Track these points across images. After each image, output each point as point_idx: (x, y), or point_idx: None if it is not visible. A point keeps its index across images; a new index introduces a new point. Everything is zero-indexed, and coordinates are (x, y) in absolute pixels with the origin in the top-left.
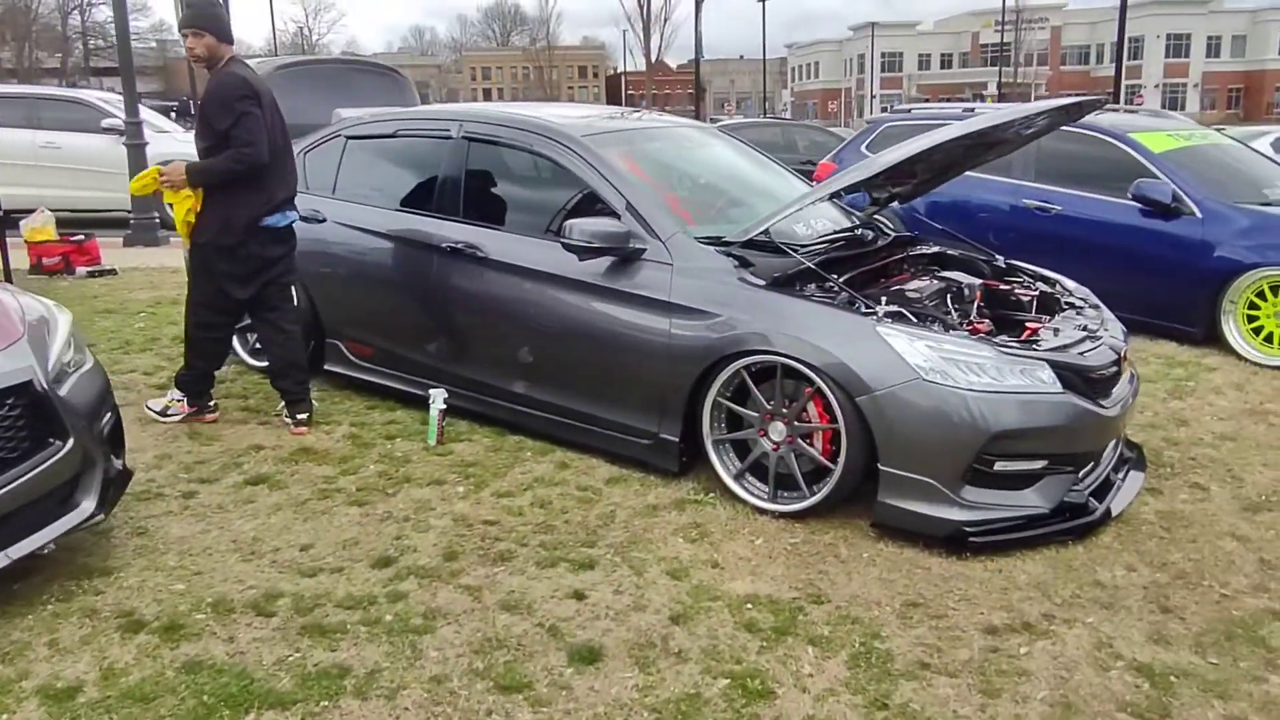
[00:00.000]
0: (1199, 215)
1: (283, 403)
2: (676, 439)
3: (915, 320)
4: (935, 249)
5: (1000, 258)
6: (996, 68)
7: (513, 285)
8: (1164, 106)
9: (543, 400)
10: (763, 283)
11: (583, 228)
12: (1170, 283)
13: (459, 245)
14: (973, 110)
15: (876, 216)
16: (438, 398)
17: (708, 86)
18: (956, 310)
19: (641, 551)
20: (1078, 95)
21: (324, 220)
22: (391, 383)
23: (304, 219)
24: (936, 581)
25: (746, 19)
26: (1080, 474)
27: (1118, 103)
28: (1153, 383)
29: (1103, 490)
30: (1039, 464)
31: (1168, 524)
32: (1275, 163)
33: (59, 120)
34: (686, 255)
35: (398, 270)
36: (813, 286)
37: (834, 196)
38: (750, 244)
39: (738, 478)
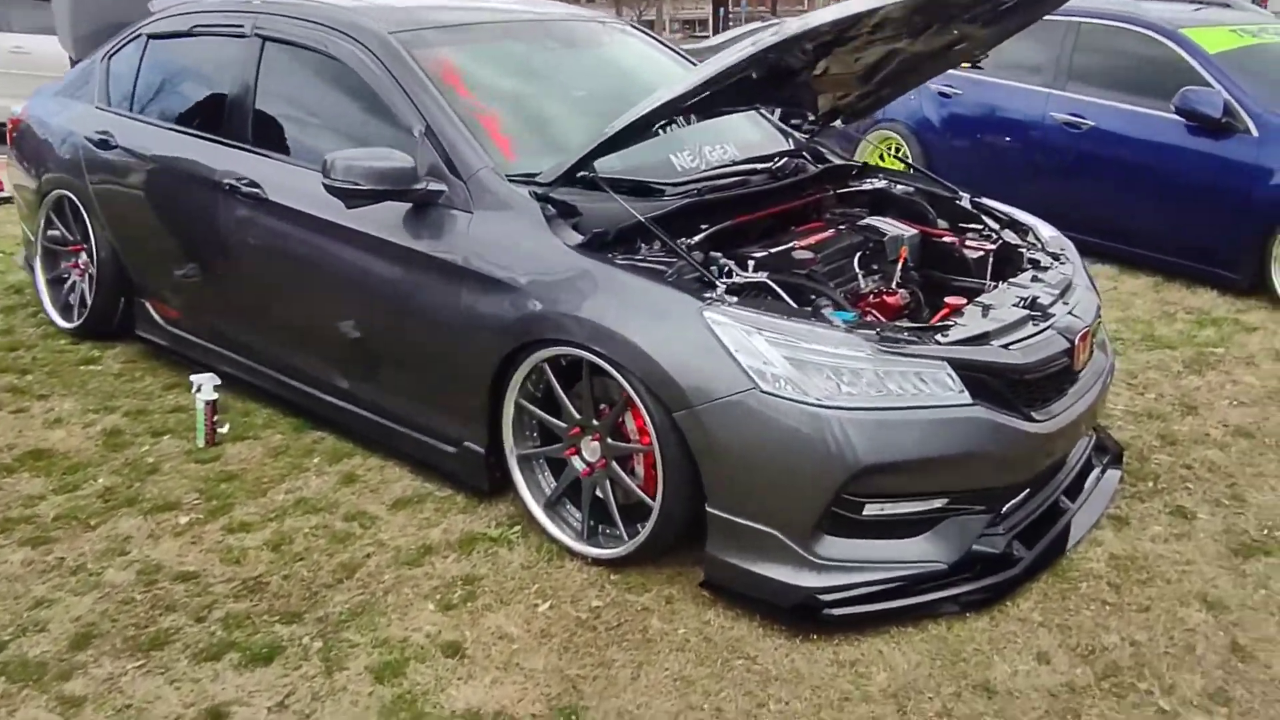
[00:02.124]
0: (1255, 133)
1: None
2: (483, 449)
3: (786, 297)
4: (881, 183)
5: (966, 195)
6: None
7: (300, 238)
8: None
9: (343, 389)
10: (575, 242)
11: (347, 162)
12: (1214, 217)
13: (240, 182)
14: None
15: (818, 141)
16: (205, 386)
17: None
18: (870, 275)
19: (361, 629)
20: None
21: (115, 146)
22: (195, 354)
23: (93, 143)
24: (754, 684)
25: None
26: (1001, 510)
27: None
28: (1171, 349)
29: (1041, 526)
30: (934, 504)
31: (1120, 578)
32: None
33: (30, 23)
34: (490, 201)
35: (185, 213)
36: (650, 248)
37: (698, 113)
38: (586, 183)
39: (550, 506)
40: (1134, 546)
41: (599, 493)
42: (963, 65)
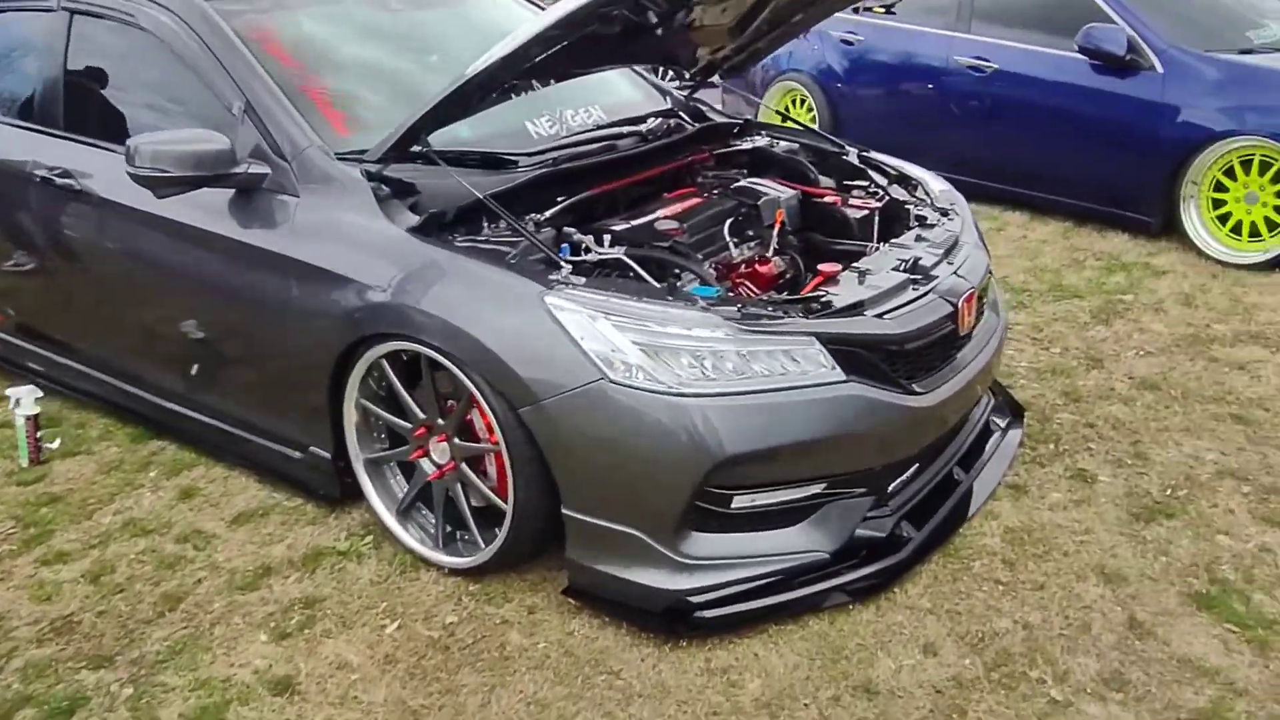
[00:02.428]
0: (1160, 69)
1: None
2: (329, 454)
3: (645, 274)
4: (761, 141)
5: (855, 150)
6: None
7: (120, 232)
8: None
9: (180, 393)
10: (409, 224)
11: (154, 147)
12: (1122, 159)
13: (52, 173)
14: None
15: (696, 99)
16: (24, 400)
17: None
18: (745, 242)
19: (180, 669)
20: None
21: None
22: (18, 360)
23: None
24: (614, 703)
25: None
26: (887, 490)
27: None
28: (1079, 298)
29: (933, 502)
30: (811, 490)
31: (1015, 553)
32: None
33: None
34: (318, 183)
35: (2, 208)
36: (496, 227)
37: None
38: (422, 158)
39: (404, 513)
40: (1031, 517)
41: (453, 497)
42: (867, 9)
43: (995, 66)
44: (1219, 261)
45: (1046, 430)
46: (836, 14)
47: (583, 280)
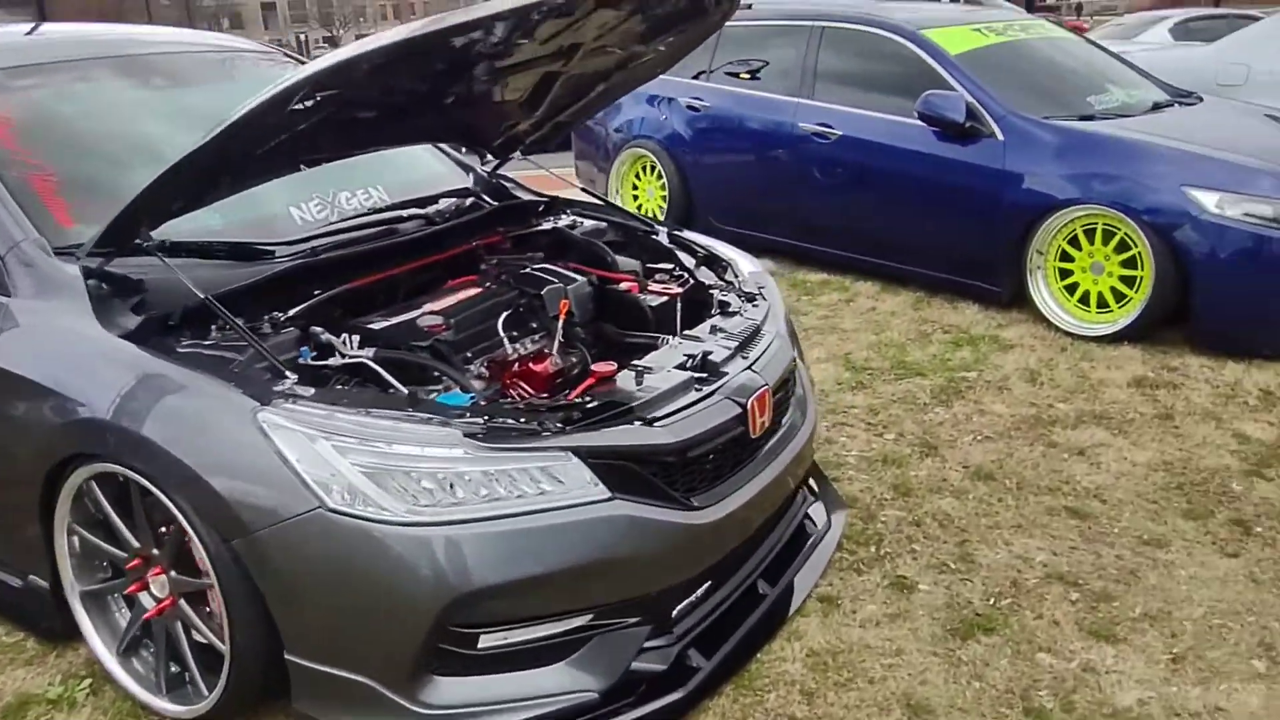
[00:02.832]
0: (1000, 136)
1: None
2: (48, 584)
3: (393, 380)
4: (564, 221)
5: (664, 229)
6: None
7: None
8: None
9: None
10: (126, 328)
11: None
12: (969, 227)
13: None
14: (749, 6)
15: (500, 174)
16: None
17: None
18: (526, 337)
19: None
20: None
21: None
22: None
23: None
24: None
25: None
26: (670, 616)
27: None
28: (922, 376)
29: (728, 625)
30: (574, 622)
31: (817, 681)
32: (1122, 60)
33: None
34: (30, 281)
35: None
36: (227, 330)
37: None
38: (171, 250)
39: (126, 653)
40: (840, 636)
41: (174, 636)
42: (733, 74)
43: (839, 133)
44: (1068, 333)
45: (869, 530)
46: (683, 79)
47: (310, 392)
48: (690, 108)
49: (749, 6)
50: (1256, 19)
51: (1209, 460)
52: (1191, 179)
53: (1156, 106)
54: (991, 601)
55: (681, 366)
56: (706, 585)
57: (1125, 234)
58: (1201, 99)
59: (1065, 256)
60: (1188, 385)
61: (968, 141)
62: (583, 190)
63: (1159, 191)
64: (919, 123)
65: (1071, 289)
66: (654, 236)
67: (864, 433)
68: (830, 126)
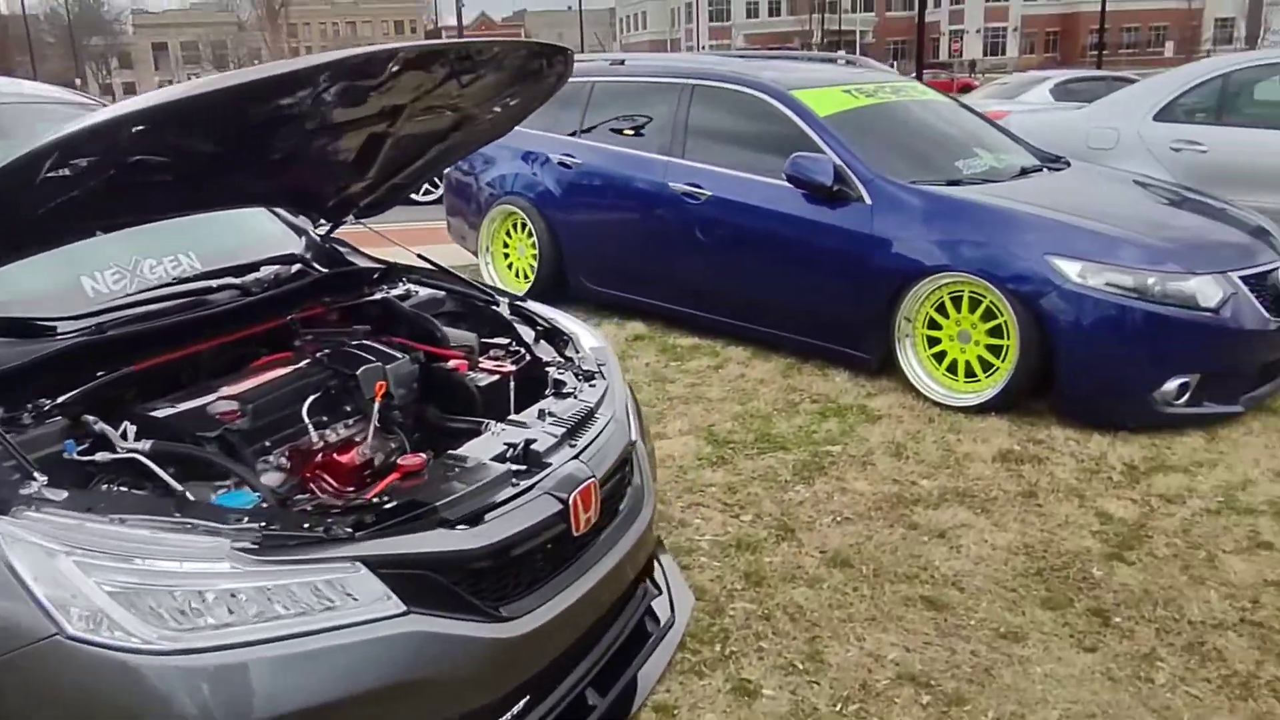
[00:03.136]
0: (868, 201)
1: None
2: None
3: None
4: (398, 291)
5: (506, 300)
6: (821, 15)
7: None
8: (985, 52)
9: None
10: None
11: None
12: (838, 292)
13: None
14: (621, 62)
15: (334, 240)
16: None
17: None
18: (339, 421)
19: None
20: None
21: None
22: None
23: None
24: None
25: None
26: None
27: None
28: (785, 450)
29: None
30: None
31: None
32: (993, 124)
33: None
34: None
35: None
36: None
37: None
38: None
39: None
40: None
41: None
42: (616, 131)
43: (709, 194)
44: (937, 403)
45: (716, 626)
46: (556, 134)
47: (61, 497)
48: (562, 164)
49: (621, 63)
50: (1132, 81)
51: (1070, 543)
52: (1054, 247)
53: (1024, 172)
54: (838, 707)
55: (500, 457)
56: (524, 701)
57: (991, 302)
58: (1069, 164)
59: (933, 324)
60: (1053, 459)
61: (836, 205)
62: (419, 256)
63: (1022, 259)
64: (789, 184)
65: (940, 357)
66: (494, 308)
67: (720, 514)
68: (700, 187)
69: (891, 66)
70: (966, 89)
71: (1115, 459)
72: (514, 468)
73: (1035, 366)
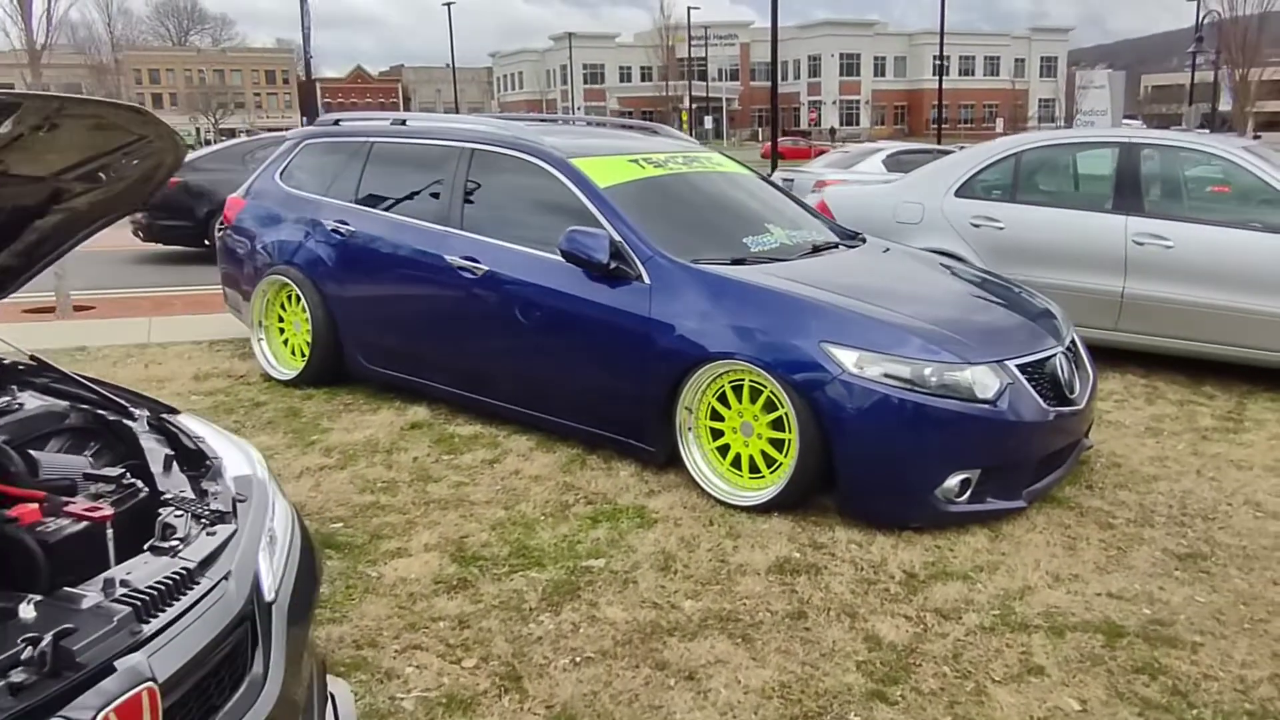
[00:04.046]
0: (647, 280)
1: None
2: None
3: None
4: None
5: (146, 413)
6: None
7: None
8: (841, 122)
9: None
10: None
11: None
12: (618, 379)
13: None
14: (403, 122)
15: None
16: None
17: (413, 95)
18: None
19: None
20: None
21: None
22: None
23: None
24: None
25: (456, 24)
26: None
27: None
28: (540, 568)
29: None
30: None
31: None
32: (792, 198)
33: None
34: None
35: None
36: None
37: None
38: None
39: None
40: None
41: None
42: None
43: (485, 268)
44: (721, 502)
45: None
46: (333, 199)
47: None
48: (335, 232)
49: (403, 122)
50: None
51: (831, 679)
52: (831, 335)
53: (816, 249)
54: None
55: (13, 661)
56: None
57: (771, 393)
58: (865, 240)
59: (717, 415)
60: (831, 568)
61: (616, 284)
62: (32, 357)
63: (800, 348)
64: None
65: (725, 450)
66: (128, 423)
67: (439, 659)
68: (477, 261)
69: (758, 134)
70: (800, 157)
71: (896, 565)
72: (16, 682)
73: (818, 462)
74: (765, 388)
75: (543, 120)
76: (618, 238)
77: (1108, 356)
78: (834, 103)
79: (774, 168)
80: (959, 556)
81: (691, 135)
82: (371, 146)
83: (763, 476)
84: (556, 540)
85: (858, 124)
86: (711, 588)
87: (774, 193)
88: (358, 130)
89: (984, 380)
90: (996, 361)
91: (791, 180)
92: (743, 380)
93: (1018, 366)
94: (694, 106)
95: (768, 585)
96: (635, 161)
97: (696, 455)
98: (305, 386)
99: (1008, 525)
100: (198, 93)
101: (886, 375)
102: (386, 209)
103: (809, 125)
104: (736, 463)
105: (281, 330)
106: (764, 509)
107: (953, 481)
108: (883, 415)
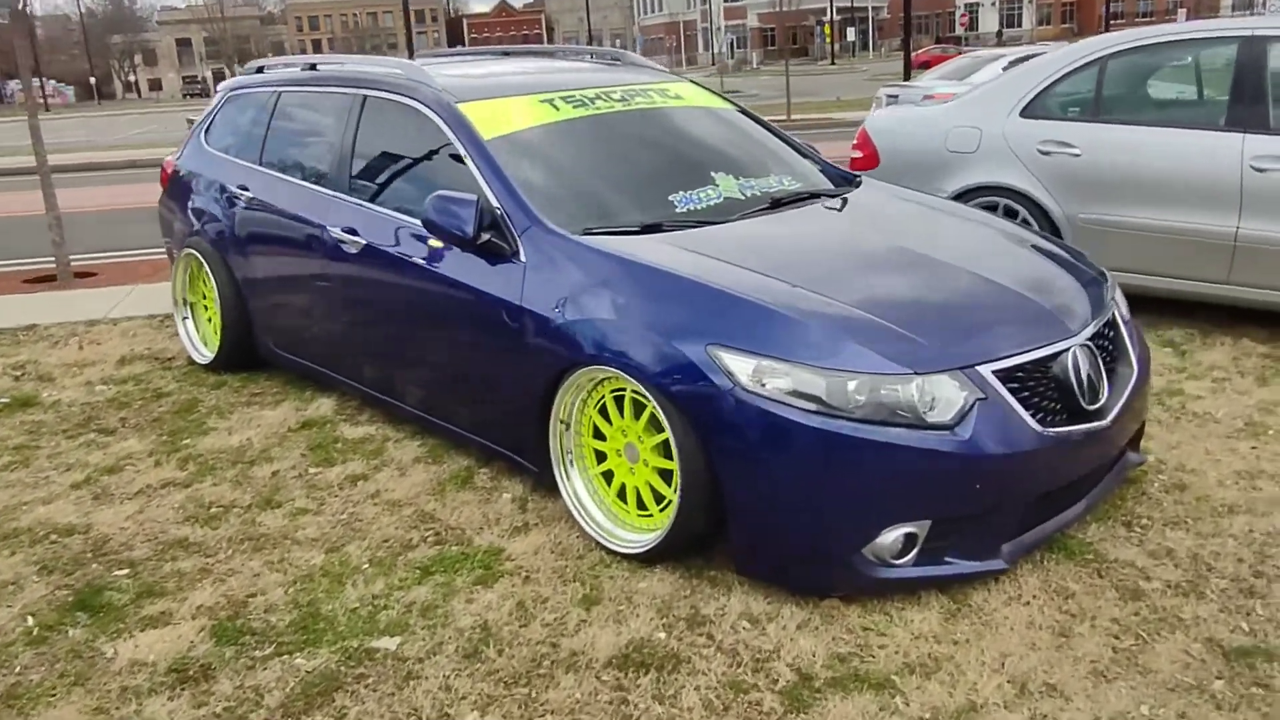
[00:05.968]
0: (524, 258)
1: None
2: None
3: None
4: None
5: None
6: None
7: None
8: (1002, 24)
9: None
10: None
11: None
12: (491, 382)
13: None
14: (313, 66)
15: None
16: None
17: (556, 25)
18: None
19: None
20: None
21: None
22: None
23: None
24: None
25: None
26: None
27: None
28: (312, 650)
29: None
30: None
31: None
32: (780, 136)
33: None
34: None
35: None
36: None
37: None
38: None
39: None
40: None
41: None
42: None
43: (363, 242)
44: (600, 546)
45: None
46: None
47: None
48: (236, 198)
49: (313, 67)
50: None
51: None
52: (723, 335)
53: (776, 204)
54: None
55: None
56: None
57: (653, 409)
58: (859, 186)
59: (599, 433)
60: (696, 662)
61: (495, 261)
62: None
63: (681, 351)
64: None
65: (609, 475)
66: None
67: None
68: (355, 233)
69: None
70: (932, 63)
71: (789, 660)
72: None
73: (706, 502)
74: (648, 402)
75: (474, 54)
76: (495, 203)
77: (1218, 316)
78: (993, 3)
79: (906, 77)
80: (889, 646)
81: (834, 49)
82: (279, 97)
83: (650, 515)
84: (360, 604)
85: (1020, 25)
86: (516, 692)
87: (749, 131)
88: (270, 80)
89: (941, 394)
90: (961, 368)
91: (895, 96)
92: (624, 391)
93: (997, 372)
94: (838, 19)
95: (593, 692)
96: (549, 102)
97: (577, 483)
98: (221, 372)
99: (980, 592)
100: (353, 36)
101: (793, 392)
102: (282, 171)
103: (960, 29)
104: (624, 493)
105: (206, 308)
106: (647, 558)
107: (889, 538)
108: (784, 446)
